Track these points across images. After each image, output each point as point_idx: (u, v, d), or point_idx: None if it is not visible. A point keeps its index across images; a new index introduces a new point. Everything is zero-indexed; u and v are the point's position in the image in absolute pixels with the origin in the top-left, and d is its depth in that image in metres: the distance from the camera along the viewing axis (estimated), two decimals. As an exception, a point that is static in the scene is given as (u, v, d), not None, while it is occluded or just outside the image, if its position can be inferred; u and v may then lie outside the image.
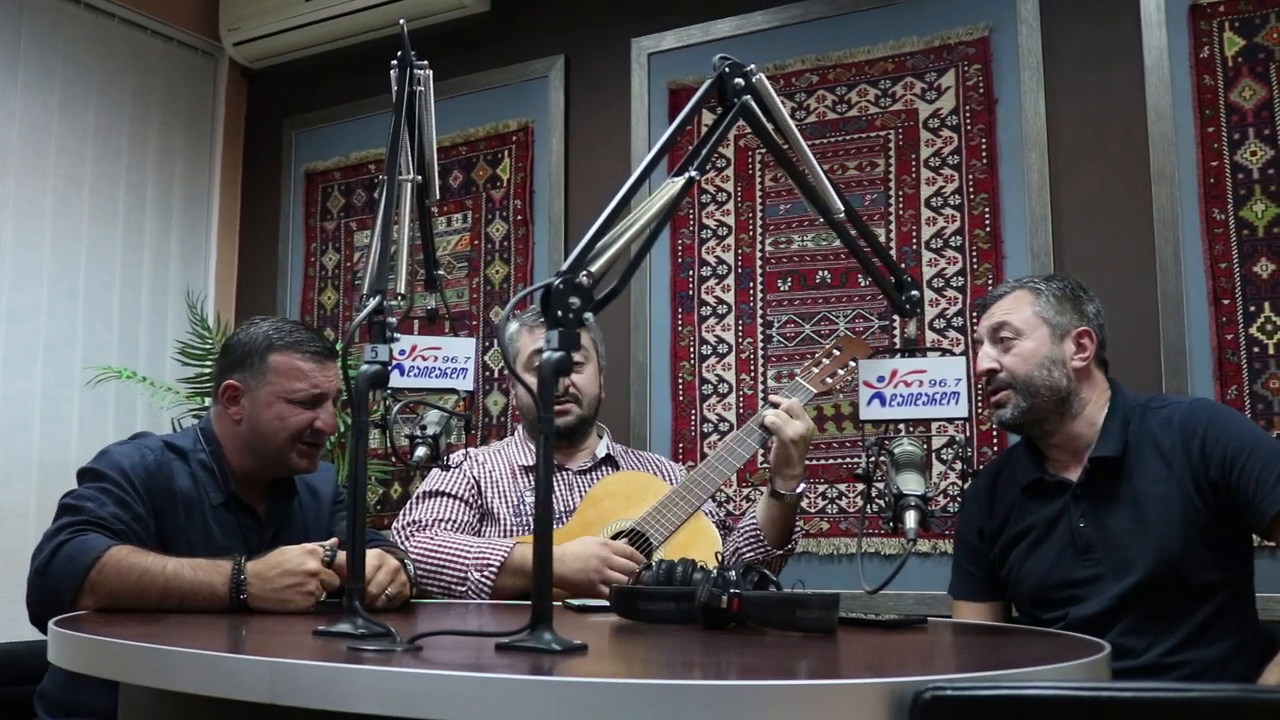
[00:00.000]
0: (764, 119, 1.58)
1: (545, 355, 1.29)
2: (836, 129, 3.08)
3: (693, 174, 1.48)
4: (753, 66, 1.55)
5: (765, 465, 2.55)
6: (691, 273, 3.22)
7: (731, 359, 3.14)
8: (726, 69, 1.54)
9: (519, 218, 3.55)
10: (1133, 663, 1.90)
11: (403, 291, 1.58)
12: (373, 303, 1.48)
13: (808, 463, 2.96)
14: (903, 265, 2.90)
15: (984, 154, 2.88)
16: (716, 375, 3.15)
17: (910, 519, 1.60)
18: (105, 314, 3.65)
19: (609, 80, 3.44)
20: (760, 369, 3.09)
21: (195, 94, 4.03)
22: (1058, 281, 2.13)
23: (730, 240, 3.19)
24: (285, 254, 4.00)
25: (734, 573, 1.54)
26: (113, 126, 3.73)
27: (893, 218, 2.97)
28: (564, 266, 1.32)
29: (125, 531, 1.84)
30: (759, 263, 3.14)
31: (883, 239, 2.96)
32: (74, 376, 3.51)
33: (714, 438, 3.10)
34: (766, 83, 1.56)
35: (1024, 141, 2.83)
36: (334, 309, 3.85)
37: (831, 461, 2.99)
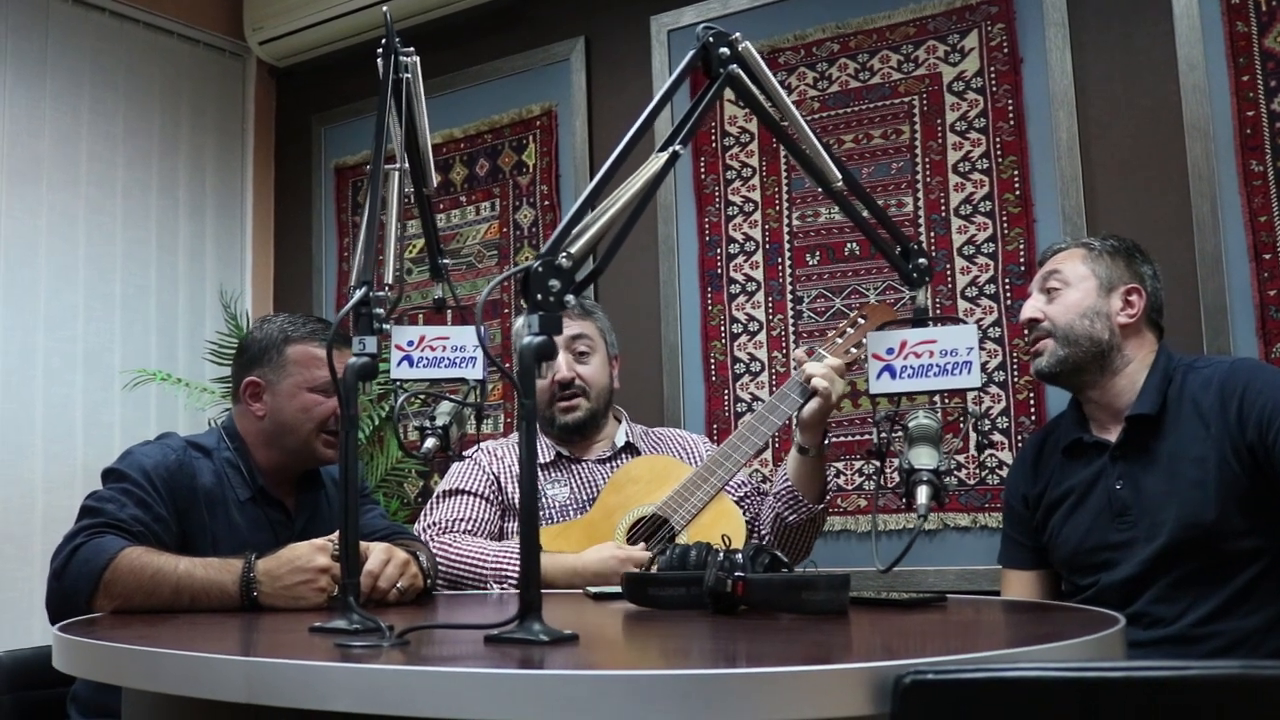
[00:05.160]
0: (754, 89, 1.53)
1: (525, 340, 1.26)
2: (860, 97, 3.01)
3: (677, 149, 1.44)
4: (738, 35, 1.50)
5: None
6: (719, 250, 3.18)
7: (763, 336, 3.09)
8: (710, 39, 1.49)
9: (546, 203, 3.52)
10: (1161, 632, 1.84)
11: (390, 282, 1.55)
12: (359, 294, 1.46)
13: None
14: (933, 234, 2.85)
15: (1011, 115, 2.80)
16: (748, 353, 3.10)
17: (922, 494, 1.55)
18: (143, 318, 3.70)
19: (630, 59, 3.40)
20: (792, 345, 3.03)
21: (224, 95, 4.06)
22: (1114, 239, 2.10)
23: (757, 216, 3.13)
24: (319, 250, 4.02)
25: (741, 555, 1.51)
26: (143, 131, 3.77)
27: (920, 185, 2.90)
28: (544, 249, 1.29)
29: (144, 533, 1.85)
30: (787, 237, 3.08)
31: (910, 207, 2.90)
32: (114, 381, 3.56)
33: (749, 417, 3.06)
34: (754, 52, 1.51)
35: (1052, 100, 2.74)
36: (368, 303, 3.86)
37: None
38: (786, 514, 2.21)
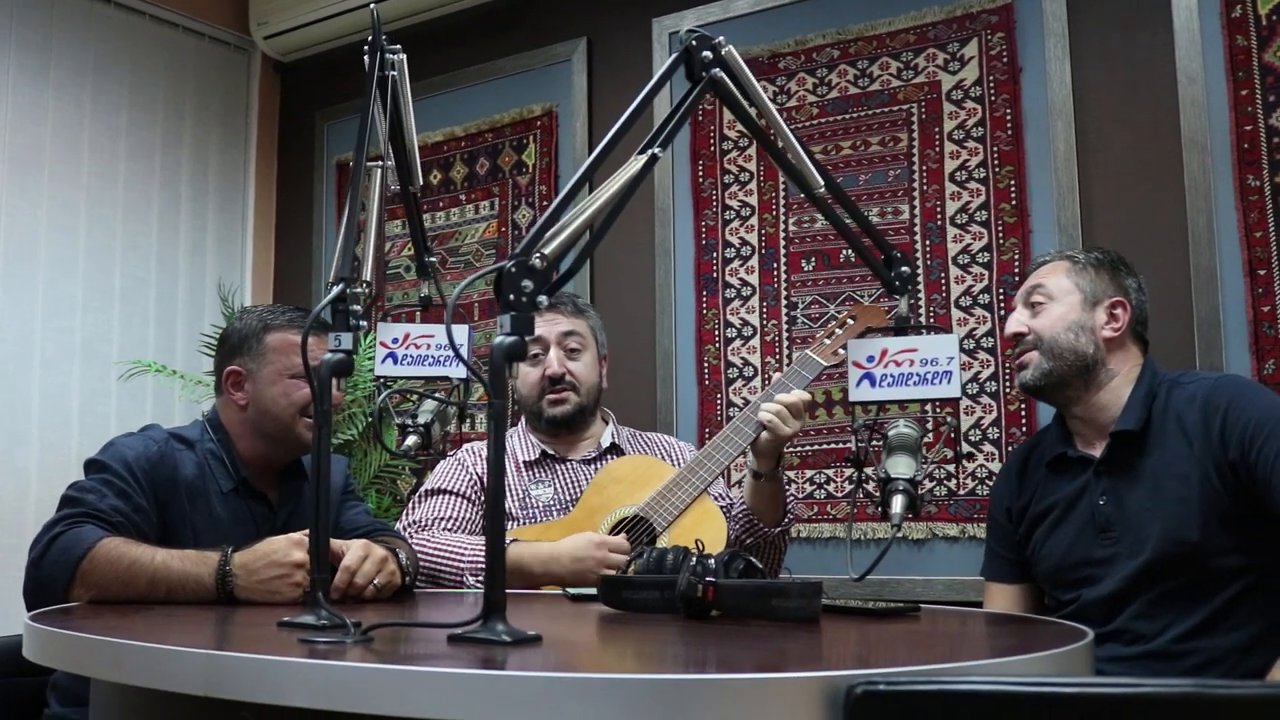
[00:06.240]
0: (737, 93, 1.53)
1: (497, 340, 1.26)
2: (859, 104, 3.00)
3: (655, 152, 1.43)
4: (721, 39, 1.50)
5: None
6: (715, 255, 3.17)
7: (756, 341, 3.08)
8: (693, 42, 1.49)
9: (544, 203, 3.52)
10: (1141, 648, 1.83)
11: (368, 279, 1.55)
12: (335, 290, 1.46)
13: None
14: (928, 242, 2.84)
15: (1009, 125, 2.79)
16: (741, 358, 3.10)
17: (896, 503, 1.55)
18: (142, 310, 3.71)
19: (631, 61, 3.40)
20: (785, 351, 3.03)
21: (228, 89, 4.07)
22: (1098, 252, 2.09)
23: (753, 221, 3.13)
24: (319, 245, 4.03)
25: (715, 560, 1.50)
26: (146, 123, 3.78)
27: (917, 193, 2.89)
28: (518, 249, 1.29)
29: (123, 523, 1.85)
30: (782, 243, 3.08)
31: (906, 215, 2.89)
32: (111, 373, 3.57)
33: (735, 418, 3.05)
34: (737, 56, 1.51)
35: (1050, 111, 2.73)
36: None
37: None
38: (745, 537, 2.23)
